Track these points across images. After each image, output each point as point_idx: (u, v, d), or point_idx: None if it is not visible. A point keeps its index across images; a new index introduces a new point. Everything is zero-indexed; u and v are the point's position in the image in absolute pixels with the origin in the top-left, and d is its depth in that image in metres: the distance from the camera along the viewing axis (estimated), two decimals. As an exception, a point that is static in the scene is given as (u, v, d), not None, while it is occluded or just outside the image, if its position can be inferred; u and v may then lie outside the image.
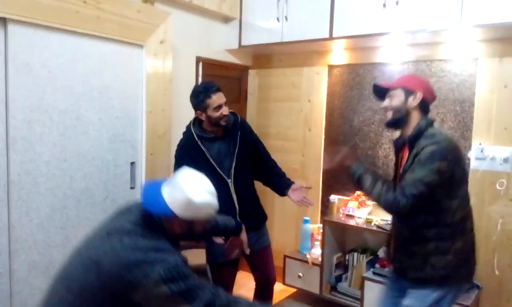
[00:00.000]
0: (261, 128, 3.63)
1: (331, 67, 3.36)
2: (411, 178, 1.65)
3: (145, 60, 2.50)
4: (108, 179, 2.33)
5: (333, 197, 3.28)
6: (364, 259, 3.03)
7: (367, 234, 3.18)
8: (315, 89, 3.44)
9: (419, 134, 1.73)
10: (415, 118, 1.77)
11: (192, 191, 1.37)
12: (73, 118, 2.15)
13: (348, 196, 3.25)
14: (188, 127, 2.36)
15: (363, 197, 3.16)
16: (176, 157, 2.34)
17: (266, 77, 3.73)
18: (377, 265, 2.94)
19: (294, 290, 3.33)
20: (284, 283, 3.30)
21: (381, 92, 1.91)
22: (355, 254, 3.12)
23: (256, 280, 2.53)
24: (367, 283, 2.85)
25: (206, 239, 2.10)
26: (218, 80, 3.45)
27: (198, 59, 3.19)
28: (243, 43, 3.36)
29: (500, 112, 2.62)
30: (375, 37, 2.79)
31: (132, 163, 2.48)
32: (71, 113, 2.14)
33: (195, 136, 2.28)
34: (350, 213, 3.12)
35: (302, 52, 3.44)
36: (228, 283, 2.38)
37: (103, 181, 2.31)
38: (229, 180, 2.29)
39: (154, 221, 1.41)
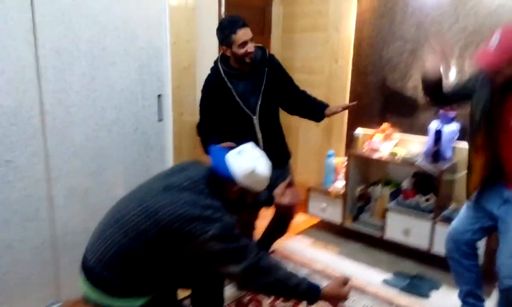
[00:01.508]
0: (285, 62, 3.50)
1: (361, -8, 3.19)
2: None
3: (168, -13, 2.41)
4: (137, 111, 2.36)
5: (359, 131, 3.26)
6: (387, 191, 3.06)
7: (391, 167, 3.19)
8: (343, 17, 3.29)
9: None
10: None
11: (257, 162, 1.56)
12: (100, 48, 2.14)
13: (374, 129, 3.22)
14: (215, 63, 2.33)
15: (389, 130, 3.13)
16: (202, 94, 2.34)
17: (291, 6, 3.58)
18: (400, 197, 2.98)
19: (317, 220, 3.43)
20: (307, 213, 3.39)
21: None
22: (378, 186, 3.15)
23: (275, 213, 2.61)
24: (390, 214, 2.91)
25: (248, 210, 2.12)
26: (241, 10, 3.34)
27: (221, -13, 3.07)
28: (267, -31, 3.20)
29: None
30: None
31: (159, 96, 2.49)
32: (97, 43, 2.12)
33: (221, 72, 2.25)
34: (375, 146, 3.11)
35: (330, -23, 3.26)
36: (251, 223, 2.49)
37: (132, 113, 2.34)
38: (254, 117, 2.29)
39: (216, 182, 1.55)
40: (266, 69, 2.29)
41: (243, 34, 2.13)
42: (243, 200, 1.64)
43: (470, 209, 2.04)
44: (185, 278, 1.71)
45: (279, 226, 2.64)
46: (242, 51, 2.15)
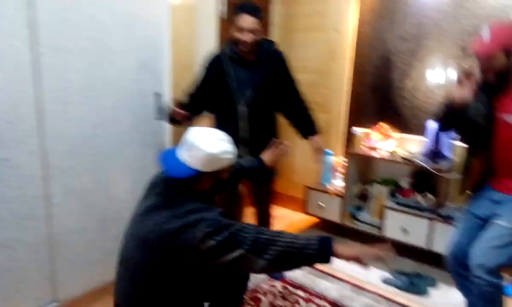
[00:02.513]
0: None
1: (360, -8, 3.19)
2: None
3: (168, -15, 2.40)
4: (135, 109, 2.35)
5: (357, 130, 3.26)
6: (385, 189, 3.07)
7: (389, 166, 3.19)
8: (343, 18, 3.30)
9: None
10: None
11: (208, 145, 1.45)
12: (99, 46, 2.12)
13: (372, 128, 3.22)
14: (224, 44, 2.33)
15: (387, 129, 3.13)
16: (200, 68, 2.33)
17: (291, 6, 3.58)
18: (398, 195, 2.98)
19: (315, 219, 3.43)
20: (306, 212, 3.39)
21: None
22: (377, 185, 3.15)
23: (255, 212, 2.63)
24: (388, 212, 2.91)
25: (235, 185, 2.12)
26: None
27: (220, -14, 3.06)
28: (266, -32, 3.19)
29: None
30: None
31: (158, 94, 2.47)
32: (97, 41, 2.11)
33: (224, 54, 2.25)
34: (374, 145, 3.12)
35: (330, -23, 3.26)
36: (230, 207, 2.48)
37: (130, 111, 2.33)
38: (239, 106, 2.27)
39: (182, 186, 1.48)
40: (269, 64, 2.27)
41: (244, 20, 2.12)
42: (219, 181, 1.58)
43: (465, 222, 2.06)
44: (206, 289, 1.70)
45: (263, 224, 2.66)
46: (238, 35, 2.14)
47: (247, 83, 2.26)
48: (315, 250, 1.37)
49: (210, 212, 1.43)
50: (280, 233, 1.42)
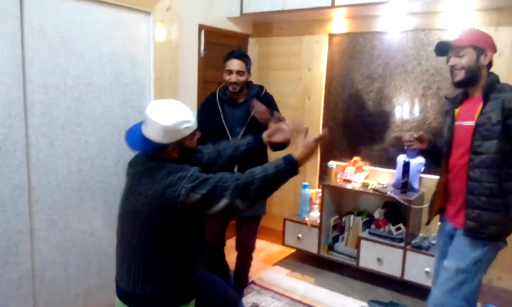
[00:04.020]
0: (261, 96, 3.70)
1: (331, 35, 3.43)
2: None
3: (153, 27, 2.53)
4: (119, 144, 2.41)
5: (331, 163, 3.42)
6: (360, 220, 3.20)
7: (363, 197, 3.34)
8: (315, 58, 3.52)
9: (492, 86, 1.78)
10: (484, 76, 1.83)
11: (162, 118, 1.49)
12: (86, 83, 2.20)
13: (346, 162, 3.39)
14: (217, 89, 2.56)
15: (360, 163, 3.31)
16: (197, 113, 2.59)
17: (266, 46, 3.78)
18: (372, 226, 3.12)
19: (293, 250, 3.50)
20: (283, 244, 3.47)
21: (443, 49, 1.91)
22: (352, 216, 3.28)
23: (236, 247, 2.66)
24: (363, 242, 3.03)
25: (231, 168, 2.10)
26: (219, 48, 3.51)
27: (201, 27, 3.22)
28: (244, 11, 3.40)
29: (493, 80, 2.73)
30: (375, 5, 2.86)
31: (141, 129, 2.55)
32: (84, 79, 2.19)
33: (216, 97, 2.50)
34: (348, 177, 3.27)
35: (303, 21, 3.50)
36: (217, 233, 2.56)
37: (115, 146, 2.39)
38: None
39: (154, 157, 1.56)
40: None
41: (231, 64, 2.41)
42: (185, 149, 1.60)
43: (437, 259, 2.10)
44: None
45: (238, 265, 2.71)
46: (227, 77, 2.41)
47: (237, 121, 2.48)
48: (285, 170, 1.51)
49: (188, 170, 1.48)
50: (251, 172, 1.52)
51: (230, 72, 2.40)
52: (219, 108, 2.48)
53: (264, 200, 1.76)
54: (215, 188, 1.45)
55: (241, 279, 2.74)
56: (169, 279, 1.55)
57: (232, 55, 2.43)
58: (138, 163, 1.62)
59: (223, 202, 1.45)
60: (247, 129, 2.43)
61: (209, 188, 1.44)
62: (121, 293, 1.60)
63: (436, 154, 2.09)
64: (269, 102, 2.50)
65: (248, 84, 2.54)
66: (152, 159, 1.56)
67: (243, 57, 2.45)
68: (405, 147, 2.14)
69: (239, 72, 2.40)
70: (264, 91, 2.56)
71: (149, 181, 1.49)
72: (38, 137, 2.03)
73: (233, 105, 2.49)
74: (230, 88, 2.43)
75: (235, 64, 2.40)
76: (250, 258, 2.70)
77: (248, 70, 2.47)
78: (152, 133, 1.52)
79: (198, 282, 1.68)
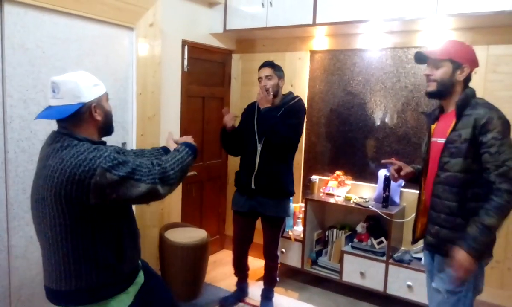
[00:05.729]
0: (244, 111, 3.73)
1: (313, 52, 3.50)
2: (503, 159, 1.61)
3: (135, 43, 2.54)
4: (101, 158, 2.39)
5: (314, 177, 3.45)
6: (343, 234, 3.22)
7: (346, 211, 3.37)
8: (297, 74, 3.57)
9: (466, 102, 1.74)
10: (458, 91, 1.79)
11: (74, 77, 1.44)
12: (67, 98, 2.19)
13: (328, 176, 3.42)
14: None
15: (342, 177, 3.35)
16: (242, 112, 2.94)
17: (249, 62, 3.83)
18: (355, 240, 3.14)
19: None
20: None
21: (422, 59, 1.88)
22: (335, 230, 3.31)
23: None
24: (346, 256, 3.05)
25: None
26: (203, 64, 3.54)
27: (184, 43, 3.25)
28: (227, 27, 3.44)
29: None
30: (355, 24, 2.94)
31: (123, 144, 2.54)
32: (65, 93, 2.17)
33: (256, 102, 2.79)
34: (330, 192, 3.30)
35: (285, 38, 3.56)
36: (243, 232, 2.89)
37: (96, 160, 2.37)
38: (259, 144, 2.68)
39: (71, 125, 1.43)
40: (283, 108, 2.67)
41: (261, 71, 2.73)
42: (105, 110, 1.55)
43: (424, 256, 2.09)
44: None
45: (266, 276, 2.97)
46: (260, 84, 2.71)
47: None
48: (190, 153, 1.66)
49: (105, 149, 1.40)
50: (165, 159, 1.57)
51: (260, 78, 2.70)
52: (255, 110, 2.76)
53: (179, 183, 1.76)
54: (134, 171, 1.40)
55: (269, 277, 2.94)
56: (96, 270, 1.43)
57: (264, 64, 2.74)
58: (45, 146, 1.47)
59: (143, 187, 1.41)
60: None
61: (128, 170, 1.39)
62: (48, 293, 1.47)
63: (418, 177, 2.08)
64: (293, 110, 2.69)
65: (287, 94, 2.79)
66: (64, 135, 1.42)
67: (271, 65, 2.73)
68: (391, 179, 2.13)
69: (267, 77, 2.68)
70: (296, 99, 2.74)
71: (55, 162, 1.35)
72: (16, 152, 2.00)
73: (267, 108, 2.67)
74: (262, 92, 2.66)
75: (264, 71, 2.70)
76: (272, 260, 2.90)
77: (279, 76, 2.71)
78: (68, 95, 1.40)
79: (136, 270, 1.60)
